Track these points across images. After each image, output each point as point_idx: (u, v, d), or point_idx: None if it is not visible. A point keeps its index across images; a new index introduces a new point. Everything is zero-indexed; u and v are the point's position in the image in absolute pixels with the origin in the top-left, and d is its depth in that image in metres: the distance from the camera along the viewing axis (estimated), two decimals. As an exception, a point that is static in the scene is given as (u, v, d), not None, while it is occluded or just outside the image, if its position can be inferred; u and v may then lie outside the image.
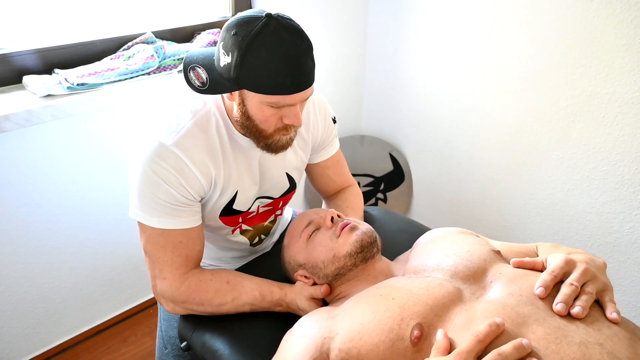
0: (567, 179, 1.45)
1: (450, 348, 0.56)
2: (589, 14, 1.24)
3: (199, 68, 0.78)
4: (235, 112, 0.80)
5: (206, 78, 0.77)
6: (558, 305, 0.59)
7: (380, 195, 2.01)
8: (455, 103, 1.66)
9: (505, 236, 1.68)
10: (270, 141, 0.82)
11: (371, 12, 1.80)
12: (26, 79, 1.21)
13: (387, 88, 1.89)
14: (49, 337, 1.49)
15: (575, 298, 0.60)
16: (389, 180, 1.99)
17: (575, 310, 0.58)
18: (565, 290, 0.60)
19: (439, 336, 0.57)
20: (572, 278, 0.61)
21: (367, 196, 2.01)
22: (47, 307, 1.43)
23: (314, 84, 0.79)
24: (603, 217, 1.41)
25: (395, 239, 1.05)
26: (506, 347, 0.52)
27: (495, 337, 0.54)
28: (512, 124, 1.52)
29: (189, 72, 0.79)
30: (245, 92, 0.76)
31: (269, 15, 0.71)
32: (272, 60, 0.71)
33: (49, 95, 1.18)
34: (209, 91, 0.78)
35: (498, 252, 0.73)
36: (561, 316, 0.58)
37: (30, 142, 1.22)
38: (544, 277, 0.62)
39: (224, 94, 0.83)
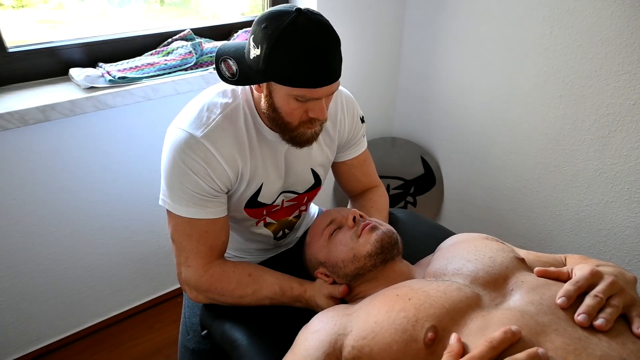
0: (605, 190, 1.39)
1: (464, 353, 0.55)
2: (635, 19, 1.19)
3: (230, 60, 0.80)
4: (263, 104, 0.82)
5: (236, 69, 0.79)
6: (580, 316, 0.56)
7: (409, 198, 1.99)
8: (490, 108, 1.63)
9: (537, 247, 1.63)
10: (295, 134, 0.83)
11: (408, 14, 1.79)
12: (72, 71, 1.27)
13: (420, 91, 1.87)
14: (82, 318, 1.56)
15: (600, 310, 0.58)
16: (419, 184, 1.97)
17: (599, 322, 0.56)
18: (588, 301, 0.58)
19: (452, 340, 0.56)
20: (598, 290, 0.59)
21: (396, 199, 1.99)
22: (81, 290, 1.50)
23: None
24: (643, 232, 1.35)
25: (420, 243, 1.04)
26: (520, 356, 0.51)
27: (510, 344, 0.53)
28: (548, 131, 1.47)
29: (220, 64, 0.81)
30: (273, 84, 0.77)
31: (298, 10, 0.73)
32: (299, 53, 0.72)
33: (92, 88, 1.24)
34: (238, 82, 0.80)
35: (522, 260, 0.71)
36: (583, 328, 0.56)
37: (72, 131, 1.28)
38: (568, 287, 0.60)
39: (253, 87, 0.85)
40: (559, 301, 0.58)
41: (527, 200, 1.63)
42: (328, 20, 0.75)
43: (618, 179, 1.35)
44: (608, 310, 0.57)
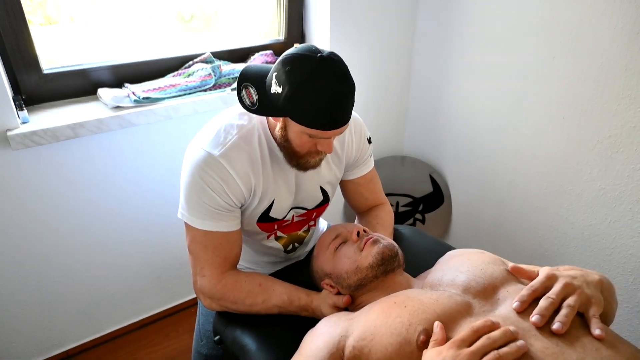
0: (609, 210, 1.42)
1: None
2: (635, 45, 1.24)
3: (251, 88, 0.87)
4: (277, 132, 0.89)
5: (256, 99, 0.86)
6: (534, 317, 0.62)
7: (418, 216, 2.03)
8: (497, 128, 1.68)
9: (543, 265, 1.65)
10: (302, 161, 0.91)
11: (418, 36, 1.86)
12: (100, 91, 1.37)
13: (430, 111, 1.93)
14: (101, 325, 1.63)
15: (557, 313, 0.63)
16: (428, 201, 2.01)
17: (555, 326, 0.61)
18: (541, 303, 0.63)
19: (436, 329, 0.62)
20: (551, 292, 0.65)
21: (405, 216, 2.04)
22: (101, 298, 1.58)
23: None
24: (647, 252, 1.37)
25: (423, 258, 1.09)
26: (496, 333, 0.58)
27: (489, 331, 0.59)
28: (553, 152, 1.52)
29: (242, 90, 0.88)
30: (289, 119, 0.85)
31: (321, 58, 0.79)
32: (318, 100, 0.79)
33: (118, 107, 1.33)
34: (257, 112, 0.87)
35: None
36: (560, 334, 0.61)
37: (99, 147, 1.37)
38: (523, 292, 0.66)
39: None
40: (514, 306, 0.65)
41: (533, 219, 1.66)
42: (346, 66, 0.82)
43: (621, 199, 1.38)
44: (562, 312, 0.62)
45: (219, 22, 1.63)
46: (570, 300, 0.64)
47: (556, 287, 0.65)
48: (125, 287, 1.61)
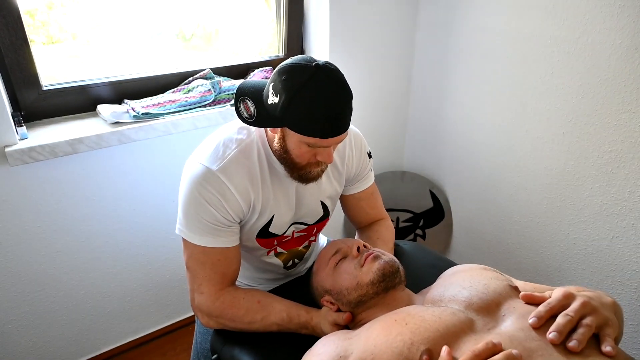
0: (611, 226, 1.41)
1: None
2: (634, 60, 1.24)
3: (249, 101, 0.87)
4: (276, 144, 0.89)
5: (254, 111, 0.86)
6: (551, 334, 0.60)
7: (419, 231, 2.01)
8: (497, 143, 1.67)
9: (545, 281, 1.64)
10: (303, 172, 0.90)
11: (417, 51, 1.88)
12: (100, 107, 1.37)
13: (429, 126, 1.93)
14: (97, 343, 1.60)
15: (573, 331, 0.61)
16: (428, 217, 2.00)
17: (572, 344, 0.59)
18: (559, 320, 0.62)
19: (443, 353, 0.60)
20: (569, 309, 0.63)
21: (405, 232, 2.02)
22: (98, 315, 1.55)
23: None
24: (651, 268, 1.35)
25: (424, 274, 1.07)
26: (498, 356, 0.56)
27: (492, 354, 0.57)
28: (553, 167, 1.51)
29: (240, 103, 0.88)
30: (287, 129, 0.84)
31: (317, 66, 0.79)
32: (315, 107, 0.79)
33: (117, 123, 1.32)
34: (255, 124, 0.87)
35: (515, 288, 0.74)
36: (568, 353, 0.59)
37: (98, 163, 1.36)
38: (539, 309, 0.64)
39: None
40: (530, 321, 0.63)
41: (534, 235, 1.64)
42: (343, 75, 0.82)
43: (623, 214, 1.37)
44: (580, 330, 0.60)
45: (220, 40, 1.65)
46: (588, 320, 0.62)
47: (574, 305, 0.64)
48: (122, 304, 1.59)
